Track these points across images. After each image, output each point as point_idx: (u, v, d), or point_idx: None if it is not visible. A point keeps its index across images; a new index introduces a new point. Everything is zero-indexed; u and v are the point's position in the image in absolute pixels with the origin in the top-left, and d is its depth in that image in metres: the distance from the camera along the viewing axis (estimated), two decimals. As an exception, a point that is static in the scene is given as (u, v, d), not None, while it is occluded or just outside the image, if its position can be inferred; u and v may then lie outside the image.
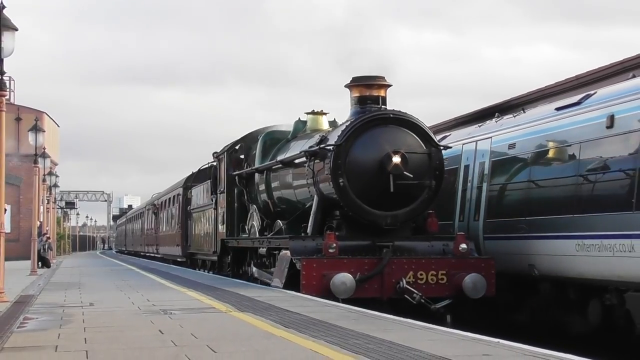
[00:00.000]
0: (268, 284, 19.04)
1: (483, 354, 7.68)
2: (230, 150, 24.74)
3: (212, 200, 27.13)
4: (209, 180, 29.42)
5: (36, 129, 31.55)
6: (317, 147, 17.75)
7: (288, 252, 16.92)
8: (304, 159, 18.56)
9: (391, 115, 17.29)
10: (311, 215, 17.62)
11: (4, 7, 15.78)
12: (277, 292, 17.14)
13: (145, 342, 9.06)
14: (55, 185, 53.09)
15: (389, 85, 18.11)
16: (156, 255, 50.52)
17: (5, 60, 16.66)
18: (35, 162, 34.23)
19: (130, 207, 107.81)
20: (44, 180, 42.74)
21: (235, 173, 24.17)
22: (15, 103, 55.60)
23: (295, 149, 19.84)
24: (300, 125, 21.76)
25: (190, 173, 37.87)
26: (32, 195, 40.84)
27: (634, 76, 16.82)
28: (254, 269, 21.32)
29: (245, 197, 23.88)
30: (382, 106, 18.00)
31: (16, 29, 15.82)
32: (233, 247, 24.24)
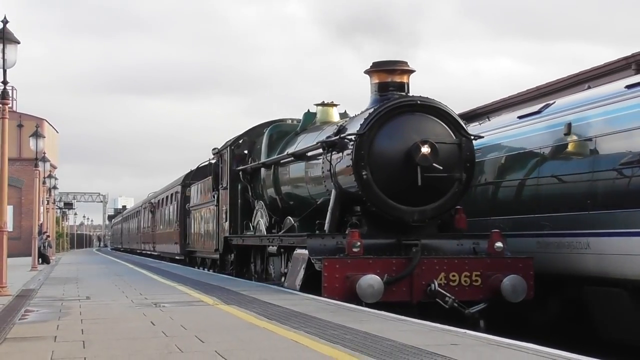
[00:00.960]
0: (278, 284, 17.25)
1: (451, 343, 7.74)
2: (233, 145, 22.67)
3: (214, 197, 24.99)
4: (209, 177, 27.34)
5: (37, 135, 31.93)
6: (336, 137, 15.56)
7: (304, 252, 14.84)
8: (319, 150, 16.39)
9: (419, 102, 14.92)
10: (329, 211, 15.43)
11: (7, 21, 15.70)
12: (260, 286, 17.07)
13: (138, 333, 9.09)
14: (55, 187, 53.90)
15: (412, 71, 15.83)
16: (153, 252, 48.30)
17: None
18: (36, 165, 34.88)
19: (124, 207, 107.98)
20: (44, 183, 43.06)
21: (239, 168, 22.13)
22: (18, 111, 55.52)
23: (306, 141, 17.87)
24: (309, 117, 19.63)
25: (189, 171, 35.79)
26: (33, 196, 41.16)
27: (589, 87, 17.39)
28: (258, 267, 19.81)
29: (250, 193, 21.88)
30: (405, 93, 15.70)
31: (18, 42, 16.04)
32: (237, 245, 22.09)
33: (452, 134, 14.91)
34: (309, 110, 19.53)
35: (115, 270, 28.18)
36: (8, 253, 17.16)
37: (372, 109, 15.01)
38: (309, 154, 17.08)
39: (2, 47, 16.22)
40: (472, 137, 15.31)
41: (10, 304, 13.77)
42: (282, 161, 18.94)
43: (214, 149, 24.62)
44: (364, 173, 14.57)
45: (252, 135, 22.33)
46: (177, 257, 36.64)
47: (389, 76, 15.65)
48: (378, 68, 15.69)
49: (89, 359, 7.30)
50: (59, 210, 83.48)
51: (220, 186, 23.71)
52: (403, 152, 14.43)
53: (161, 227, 43.90)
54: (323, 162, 16.04)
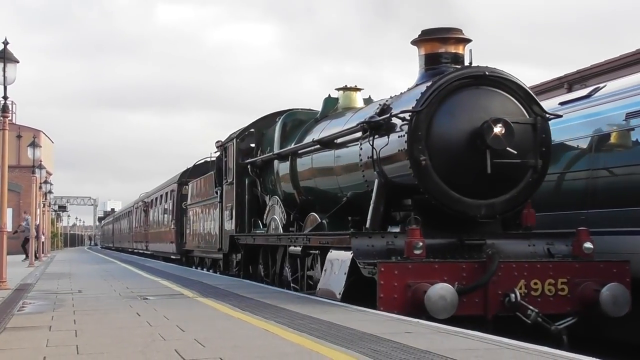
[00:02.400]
0: (296, 290, 14.30)
1: (405, 331, 7.78)
2: (240, 137, 19.24)
3: (216, 194, 21.51)
4: (209, 173, 24.14)
5: (34, 145, 32.33)
6: (383, 117, 12.10)
7: (345, 254, 11.32)
8: (355, 135, 12.98)
9: (487, 73, 11.44)
10: (371, 205, 11.90)
11: (7, 43, 15.75)
12: (235, 281, 17.00)
13: (125, 323, 9.12)
14: (50, 192, 55.63)
15: (468, 40, 12.31)
16: (145, 251, 44.48)
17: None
18: (33, 172, 35.47)
19: (112, 210, 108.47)
20: (40, 188, 43.40)
21: (247, 161, 18.76)
22: (17, 123, 55.68)
23: (330, 128, 14.56)
24: (330, 103, 16.24)
25: (185, 169, 32.14)
26: (30, 200, 40.87)
27: None
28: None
29: (259, 188, 18.60)
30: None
31: (17, 62, 16.10)
32: (246, 244, 18.51)
33: (524, 111, 11.58)
34: (329, 96, 16.29)
35: (105, 267, 28.00)
36: (7, 251, 17.21)
37: (429, 82, 11.60)
38: (339, 140, 13.80)
39: (3, 66, 16.14)
40: (550, 117, 11.88)
41: (9, 297, 13.90)
42: (301, 151, 15.62)
43: (217, 142, 21.54)
44: (422, 158, 11.10)
45: (260, 126, 19.17)
46: (172, 257, 33.35)
47: (441, 46, 12.22)
48: (429, 37, 12.27)
49: (81, 346, 7.27)
50: (53, 213, 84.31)
51: (224, 181, 20.47)
52: (468, 133, 11.08)
53: (155, 226, 40.29)
54: (361, 148, 12.64)
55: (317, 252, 13.13)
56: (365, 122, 12.29)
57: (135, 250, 50.93)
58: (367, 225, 11.77)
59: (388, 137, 11.87)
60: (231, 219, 19.36)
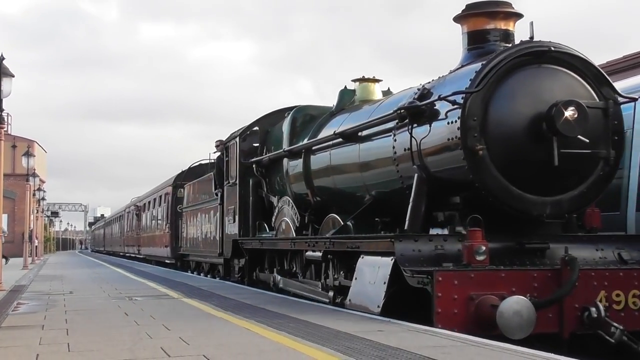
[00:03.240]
0: (314, 300, 12.13)
1: (378, 330, 7.74)
2: (243, 135, 17.09)
3: (217, 196, 19.28)
4: (207, 175, 22.25)
5: (28, 154, 32.23)
6: (424, 102, 9.86)
7: (383, 260, 9.27)
8: (387, 125, 10.67)
9: (552, 49, 9.29)
10: (410, 204, 9.71)
11: (3, 58, 15.75)
12: (217, 282, 16.99)
13: (114, 322, 9.16)
14: (43, 199, 56.43)
15: (520, 16, 10.07)
16: (137, 255, 41.79)
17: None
18: (27, 180, 35.18)
19: (102, 215, 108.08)
20: (34, 195, 43.62)
21: (252, 160, 16.51)
22: (12, 134, 55.92)
23: (350, 122, 12.36)
24: (347, 95, 13.97)
25: (180, 171, 29.63)
26: (25, 206, 40.92)
27: None
28: (278, 277, 14.54)
29: (265, 189, 16.42)
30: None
31: (13, 76, 16.08)
32: (251, 249, 16.39)
33: (594, 94, 9.44)
34: (345, 87, 14.07)
35: (96, 270, 28.03)
36: (2, 254, 17.02)
37: (477, 63, 9.55)
38: (366, 132, 11.51)
39: (-1, 79, 16.13)
40: (623, 100, 9.70)
41: (4, 298, 14.04)
42: (316, 147, 13.45)
43: (217, 141, 19.50)
44: (478, 147, 8.96)
45: (265, 124, 17.11)
46: (167, 261, 30.80)
47: (489, 21, 10.02)
48: (473, 11, 10.06)
49: (72, 344, 7.27)
50: (46, 218, 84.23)
51: (225, 183, 18.21)
52: (531, 118, 9.02)
53: (148, 229, 37.48)
54: (395, 139, 10.43)
55: (334, 257, 11.54)
56: (404, 107, 10.03)
57: (126, 254, 48.56)
58: (406, 227, 9.54)
59: (430, 126, 9.70)
60: (234, 222, 17.24)
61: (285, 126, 15.06)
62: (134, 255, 43.68)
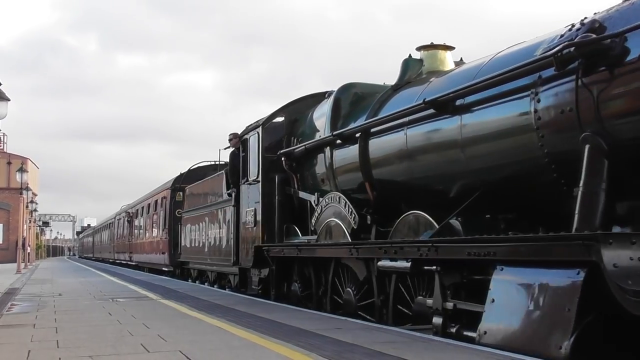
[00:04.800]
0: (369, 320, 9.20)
1: (336, 327, 7.78)
2: (266, 124, 13.39)
3: (231, 196, 15.07)
4: (216, 174, 18.43)
5: (22, 170, 31.69)
6: (609, 34, 5.97)
7: (562, 274, 5.62)
8: (523, 82, 6.83)
9: None
10: (581, 188, 5.96)
11: (0, 84, 15.65)
12: (191, 285, 16.91)
13: (99, 321, 9.08)
14: (35, 210, 56.86)
15: None
16: (129, 262, 37.24)
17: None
18: (21, 193, 34.97)
19: (89, 225, 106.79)
20: (27, 207, 42.89)
21: (282, 152, 12.72)
22: (7, 151, 55.69)
23: (430, 93, 8.53)
24: (413, 65, 10.20)
25: (179, 174, 25.25)
26: (18, 216, 40.50)
27: None
28: (351, 292, 10.10)
29: (296, 185, 12.58)
30: None
31: (9, 100, 15.74)
32: (281, 257, 12.30)
33: None
34: (410, 56, 10.31)
35: (83, 274, 27.75)
36: (-1, 260, 16.96)
37: None
38: (472, 98, 7.67)
39: (-5, 104, 16.14)
40: None
41: None
42: (380, 127, 9.53)
43: (231, 135, 15.14)
44: None
45: (291, 112, 13.50)
46: (164, 269, 26.36)
47: None
48: None
49: (60, 341, 7.21)
50: (38, 228, 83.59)
51: (243, 181, 14.30)
52: None
53: (141, 235, 33.12)
54: (539, 100, 6.66)
55: (436, 269, 7.66)
56: (573, 44, 6.13)
57: (117, 261, 44.29)
58: (576, 224, 5.95)
59: (612, 72, 6.00)
60: (254, 225, 13.42)
61: (326, 109, 11.50)
62: (125, 262, 39.61)
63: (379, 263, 8.74)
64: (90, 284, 19.43)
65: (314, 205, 11.62)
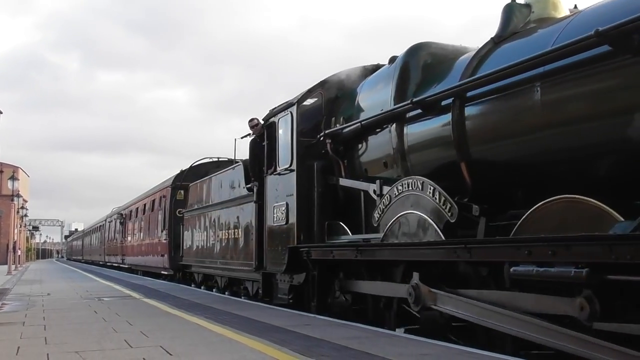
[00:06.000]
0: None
1: (305, 324, 7.75)
2: (302, 102, 10.51)
3: (252, 191, 11.98)
4: (227, 169, 15.15)
5: (13, 178, 31.46)
6: None
7: None
8: None
9: None
10: None
11: (-7, 98, 15.44)
12: (171, 285, 16.75)
13: (85, 319, 8.98)
14: (25, 215, 56.04)
15: None
16: (121, 265, 33.56)
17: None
18: (12, 200, 34.22)
19: (76, 229, 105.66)
20: (18, 212, 42.40)
21: (329, 131, 9.77)
22: None
23: (537, 46, 5.99)
24: (519, 12, 7.25)
25: (180, 171, 21.94)
26: (10, 221, 40.00)
27: None
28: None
29: (342, 172, 9.67)
30: None
31: (1, 112, 15.38)
32: (329, 260, 9.22)
33: None
34: (513, 1, 7.45)
35: (70, 275, 27.32)
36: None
37: None
38: None
39: (-12, 117, 15.84)
40: None
41: None
42: (482, 89, 6.68)
43: (252, 120, 12.05)
44: None
45: (331, 88, 10.49)
46: (163, 272, 22.76)
47: None
48: None
49: (49, 337, 7.13)
50: (28, 232, 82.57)
51: (269, 171, 11.25)
52: None
53: (135, 237, 29.26)
54: None
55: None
56: None
57: (107, 263, 40.58)
58: None
59: None
60: (285, 223, 10.51)
61: (395, 74, 8.41)
62: (116, 264, 35.90)
63: (514, 269, 5.60)
64: (76, 284, 19.15)
65: (373, 195, 8.62)
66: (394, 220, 7.91)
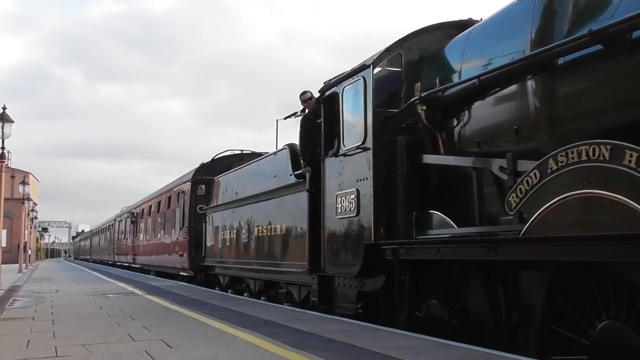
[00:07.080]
0: None
1: (296, 318, 7.78)
2: (377, 65, 7.89)
3: (303, 178, 9.53)
4: (265, 156, 12.71)
5: (24, 183, 31.42)
6: None
7: None
8: None
9: None
10: None
11: (5, 107, 16.35)
12: (172, 283, 16.70)
13: (91, 314, 9.00)
14: (35, 218, 56.82)
15: None
16: (132, 265, 30.18)
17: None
18: (23, 203, 34.31)
19: (83, 230, 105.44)
20: (28, 215, 42.38)
21: (425, 94, 7.00)
22: (11, 167, 55.27)
23: None
24: None
25: (200, 164, 18.83)
26: (21, 223, 40.07)
27: None
28: None
29: (441, 147, 7.01)
30: None
31: (13, 122, 15.49)
32: (428, 260, 6.55)
33: None
34: None
35: (77, 274, 27.22)
36: (2, 261, 16.68)
37: None
38: None
39: (2, 125, 15.73)
40: None
41: (2, 296, 13.98)
42: None
43: (304, 93, 9.53)
44: None
45: (412, 47, 7.98)
46: (182, 273, 19.36)
47: None
48: None
49: (57, 332, 7.11)
50: (38, 233, 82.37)
51: (330, 152, 8.65)
52: None
53: (148, 236, 26.10)
54: None
55: None
56: None
57: (117, 263, 36.93)
58: None
59: None
60: (356, 214, 7.96)
61: (529, 12, 5.77)
62: (127, 264, 32.34)
63: None
64: (83, 282, 19.02)
65: (499, 174, 6.06)
66: (549, 206, 5.00)
